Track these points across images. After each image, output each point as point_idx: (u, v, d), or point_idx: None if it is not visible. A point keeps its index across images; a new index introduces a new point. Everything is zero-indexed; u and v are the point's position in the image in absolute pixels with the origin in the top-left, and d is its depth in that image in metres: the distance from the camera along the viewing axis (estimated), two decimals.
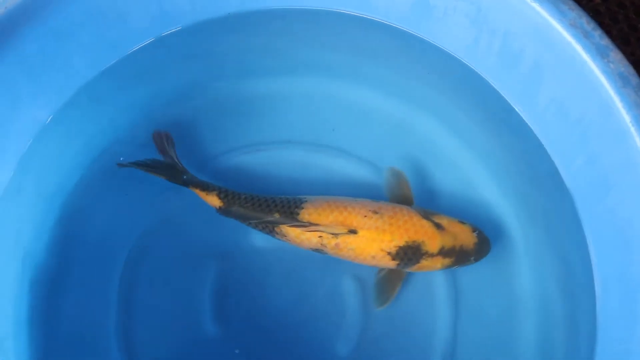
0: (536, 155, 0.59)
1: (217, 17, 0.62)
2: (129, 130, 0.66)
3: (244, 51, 0.67)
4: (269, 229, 0.60)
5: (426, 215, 0.59)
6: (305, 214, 0.59)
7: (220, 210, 0.61)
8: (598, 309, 0.53)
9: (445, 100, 0.66)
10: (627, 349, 0.49)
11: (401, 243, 0.58)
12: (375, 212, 0.58)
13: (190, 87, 0.68)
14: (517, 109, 0.59)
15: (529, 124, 0.59)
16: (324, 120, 0.68)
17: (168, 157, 0.62)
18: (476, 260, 0.60)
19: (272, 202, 0.60)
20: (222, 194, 0.61)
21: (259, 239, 0.65)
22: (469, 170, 0.66)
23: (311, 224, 0.58)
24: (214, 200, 0.61)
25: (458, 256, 0.59)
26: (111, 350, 0.62)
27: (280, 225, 0.59)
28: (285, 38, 0.67)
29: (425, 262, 0.59)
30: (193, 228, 0.65)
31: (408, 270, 0.60)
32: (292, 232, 0.59)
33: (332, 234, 0.58)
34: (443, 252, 0.59)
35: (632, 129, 0.49)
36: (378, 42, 0.64)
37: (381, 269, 0.61)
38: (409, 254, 0.58)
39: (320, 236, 0.58)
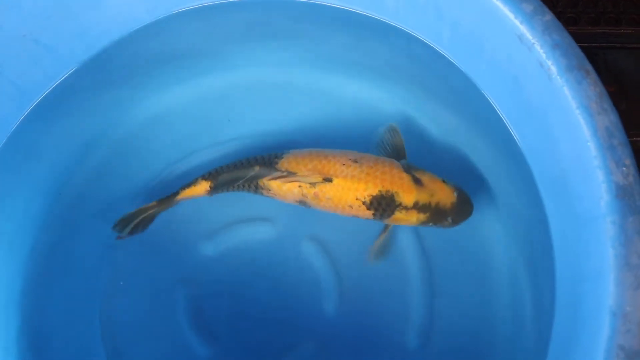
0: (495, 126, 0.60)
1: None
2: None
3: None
4: (254, 186, 0.61)
5: (408, 169, 0.59)
6: (285, 163, 0.59)
7: (210, 190, 0.62)
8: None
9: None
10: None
11: (374, 192, 0.57)
12: (355, 162, 0.58)
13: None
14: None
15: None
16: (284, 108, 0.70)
17: (148, 219, 0.64)
18: (454, 222, 0.60)
19: (252, 159, 0.61)
20: (206, 175, 0.62)
21: (210, 249, 0.67)
22: (436, 145, 0.68)
23: (289, 173, 0.58)
24: (202, 186, 0.62)
25: (434, 213, 0.59)
26: None
27: (263, 179, 0.59)
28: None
29: (399, 215, 0.59)
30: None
31: (385, 221, 0.60)
32: (274, 185, 0.60)
33: (309, 183, 0.58)
34: (418, 207, 0.58)
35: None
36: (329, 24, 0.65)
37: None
38: (383, 204, 0.58)
39: (299, 186, 0.59)
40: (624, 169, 0.47)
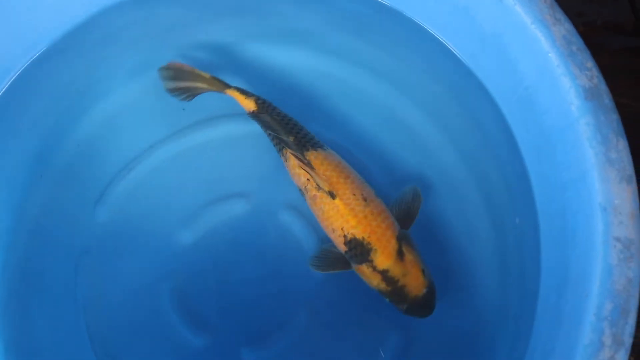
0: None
1: None
2: None
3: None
4: (280, 146, 0.61)
5: (401, 239, 0.58)
6: (312, 156, 0.59)
7: (251, 113, 0.62)
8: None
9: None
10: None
11: (358, 235, 0.57)
12: (364, 199, 0.57)
13: None
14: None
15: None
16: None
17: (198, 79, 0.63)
18: (406, 311, 0.58)
19: (295, 127, 0.61)
20: (260, 100, 0.62)
21: (187, 237, 0.65)
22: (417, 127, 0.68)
23: (308, 165, 0.58)
24: (250, 104, 0.61)
25: (395, 291, 0.57)
26: None
27: (285, 149, 0.59)
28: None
29: (365, 268, 0.57)
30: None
31: (352, 264, 0.59)
32: (291, 161, 0.59)
33: (317, 185, 0.57)
34: (385, 275, 0.57)
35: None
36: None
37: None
38: (358, 249, 0.57)
39: (308, 179, 0.58)
40: (587, 72, 0.49)
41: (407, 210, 0.60)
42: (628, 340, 0.44)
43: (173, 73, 0.63)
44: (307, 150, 0.59)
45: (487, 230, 0.63)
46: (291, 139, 0.59)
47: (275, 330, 0.63)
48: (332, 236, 0.59)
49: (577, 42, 0.50)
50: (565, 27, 0.50)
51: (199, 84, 0.63)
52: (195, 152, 0.68)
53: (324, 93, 0.68)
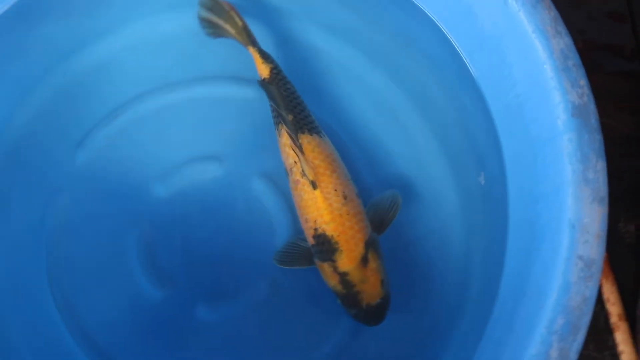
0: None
1: None
2: None
3: None
4: (277, 120, 0.60)
5: (370, 245, 0.57)
6: (306, 140, 0.58)
7: (262, 80, 0.60)
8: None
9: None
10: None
11: (329, 232, 0.56)
12: (344, 197, 0.57)
13: None
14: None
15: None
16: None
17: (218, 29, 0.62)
18: (355, 317, 0.58)
19: (298, 106, 0.59)
20: (275, 70, 0.61)
21: (161, 190, 0.65)
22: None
23: (299, 148, 0.57)
24: (264, 70, 0.60)
25: (348, 296, 0.57)
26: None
27: (282, 125, 0.58)
28: None
29: (326, 267, 0.57)
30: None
31: (315, 260, 0.59)
32: (284, 138, 0.59)
33: (303, 171, 0.57)
34: (342, 278, 0.56)
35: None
36: None
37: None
38: (324, 246, 0.56)
39: (295, 162, 0.57)
40: (579, 89, 0.50)
41: (382, 218, 0.59)
42: (574, 356, 0.45)
43: (212, 4, 0.61)
44: (303, 132, 0.58)
45: (459, 232, 0.63)
46: (290, 117, 0.58)
47: (233, 295, 0.63)
48: (304, 225, 0.58)
49: (574, 58, 0.50)
50: (564, 41, 0.50)
51: (229, 27, 0.61)
52: (180, 108, 0.67)
53: (318, 71, 0.68)
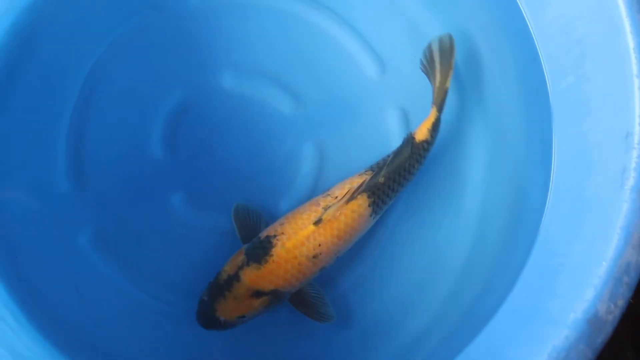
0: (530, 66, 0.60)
1: None
2: None
3: None
4: (374, 166, 0.61)
5: (275, 296, 0.57)
6: (359, 201, 0.57)
7: (411, 138, 0.60)
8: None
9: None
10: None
11: (273, 251, 0.56)
12: (315, 257, 0.56)
13: None
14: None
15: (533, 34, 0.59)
16: None
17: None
18: (198, 302, 0.58)
19: (393, 185, 0.58)
20: (426, 145, 0.60)
21: (228, 79, 0.65)
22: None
23: (348, 197, 0.56)
24: (422, 135, 0.60)
25: (217, 286, 0.57)
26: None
27: (370, 172, 0.59)
28: None
29: (240, 258, 0.57)
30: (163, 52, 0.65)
31: (242, 244, 0.59)
32: (358, 178, 0.60)
33: (328, 206, 0.56)
34: (233, 275, 0.56)
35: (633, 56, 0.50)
36: None
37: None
38: (258, 250, 0.56)
39: (336, 196, 0.58)
40: None
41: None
42: None
43: (449, 50, 0.61)
44: (368, 197, 0.57)
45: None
46: (380, 179, 0.57)
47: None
48: (278, 222, 0.58)
49: None
50: None
51: (438, 76, 0.61)
52: (217, 12, 0.67)
53: None
